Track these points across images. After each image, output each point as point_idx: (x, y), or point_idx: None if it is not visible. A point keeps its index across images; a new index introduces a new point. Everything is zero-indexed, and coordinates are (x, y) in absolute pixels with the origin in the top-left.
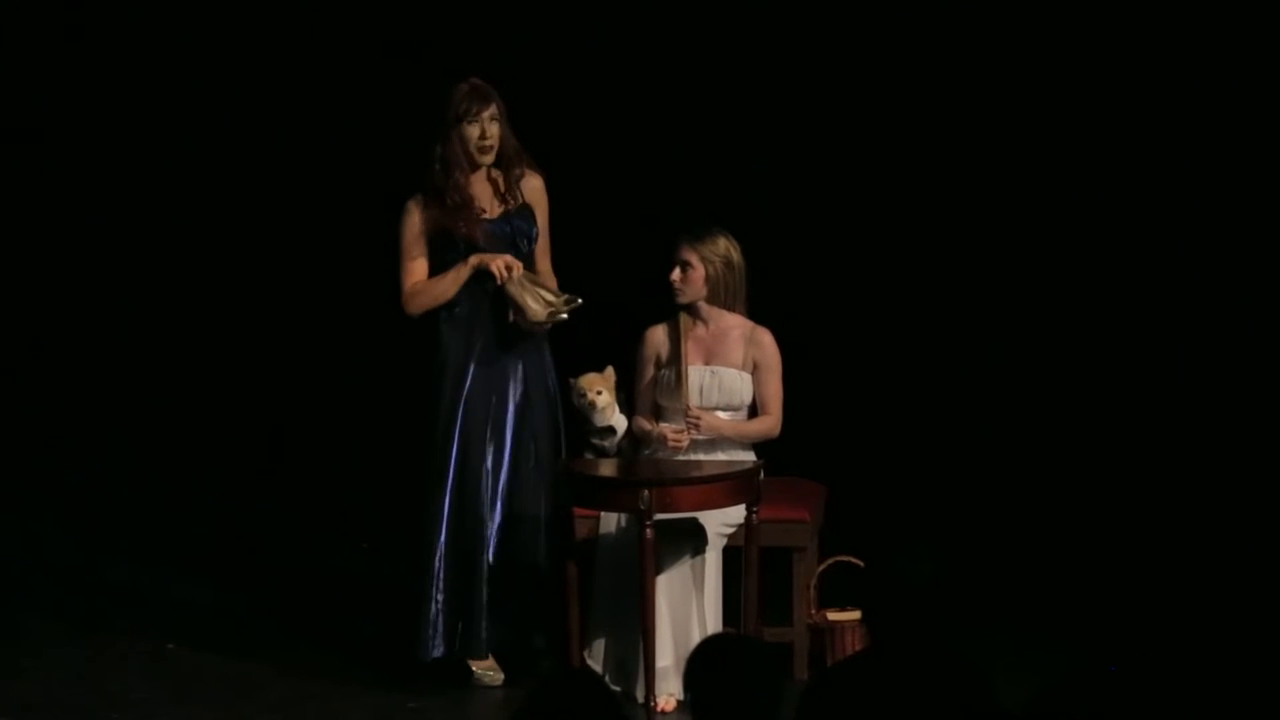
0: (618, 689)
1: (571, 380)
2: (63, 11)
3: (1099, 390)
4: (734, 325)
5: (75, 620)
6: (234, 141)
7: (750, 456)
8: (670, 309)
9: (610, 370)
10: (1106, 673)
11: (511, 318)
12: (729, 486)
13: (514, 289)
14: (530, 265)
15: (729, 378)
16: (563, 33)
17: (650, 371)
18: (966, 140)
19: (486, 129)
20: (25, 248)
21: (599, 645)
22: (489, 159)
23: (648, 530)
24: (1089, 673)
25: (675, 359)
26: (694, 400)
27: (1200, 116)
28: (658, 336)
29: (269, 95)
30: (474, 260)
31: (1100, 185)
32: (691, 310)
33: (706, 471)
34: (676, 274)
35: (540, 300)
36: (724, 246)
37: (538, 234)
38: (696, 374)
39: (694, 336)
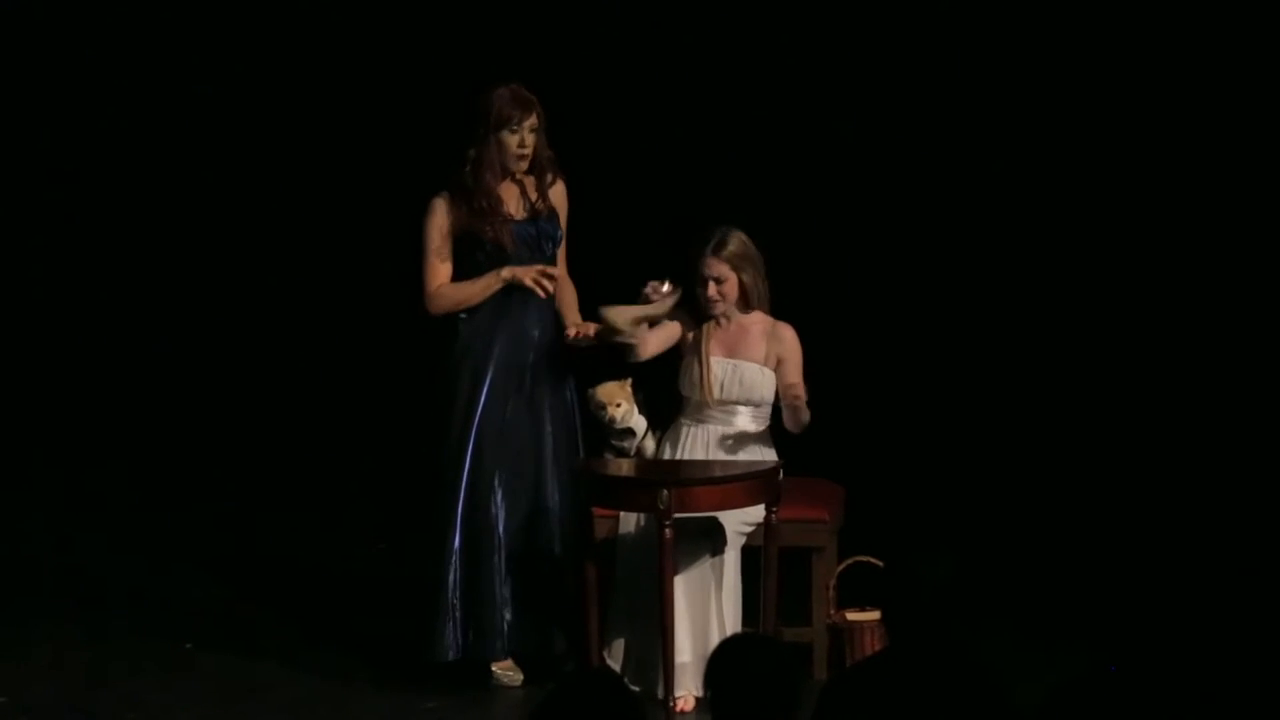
0: (637, 688)
1: (590, 390)
2: (89, 11)
3: (1118, 393)
4: (756, 321)
5: (87, 622)
6: (246, 141)
7: (771, 456)
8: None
9: (629, 380)
10: (1118, 674)
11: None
12: (748, 486)
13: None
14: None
15: (750, 372)
16: (575, 35)
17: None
18: (991, 143)
19: (525, 139)
20: (28, 246)
21: (618, 644)
22: (523, 167)
23: (667, 530)
24: (1102, 674)
25: (697, 349)
26: (715, 393)
27: (1201, 117)
28: (685, 313)
29: (288, 93)
30: (506, 274)
31: (1126, 194)
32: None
33: (726, 471)
34: (713, 289)
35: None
36: (741, 245)
37: (562, 237)
38: (719, 366)
39: (715, 331)
